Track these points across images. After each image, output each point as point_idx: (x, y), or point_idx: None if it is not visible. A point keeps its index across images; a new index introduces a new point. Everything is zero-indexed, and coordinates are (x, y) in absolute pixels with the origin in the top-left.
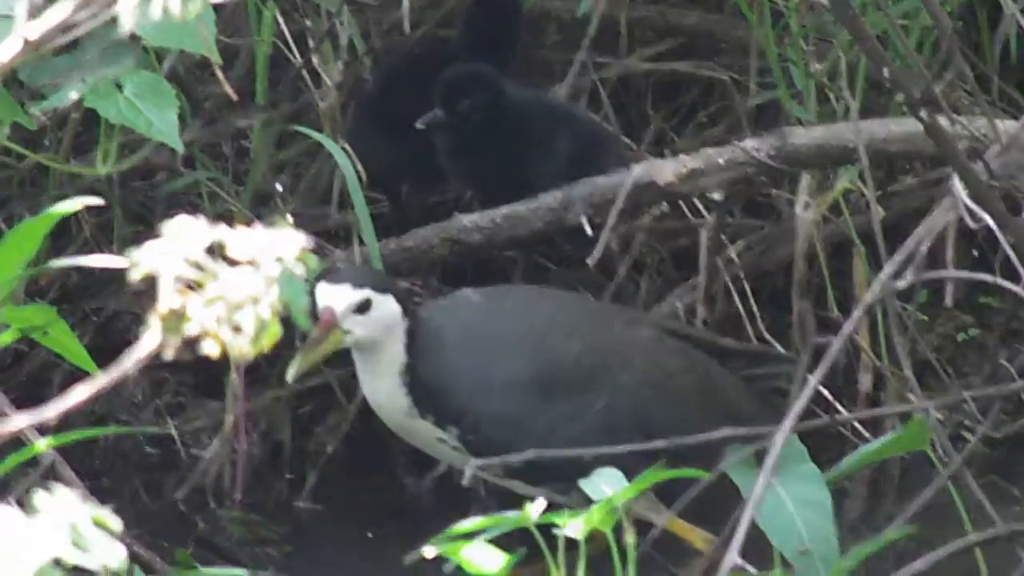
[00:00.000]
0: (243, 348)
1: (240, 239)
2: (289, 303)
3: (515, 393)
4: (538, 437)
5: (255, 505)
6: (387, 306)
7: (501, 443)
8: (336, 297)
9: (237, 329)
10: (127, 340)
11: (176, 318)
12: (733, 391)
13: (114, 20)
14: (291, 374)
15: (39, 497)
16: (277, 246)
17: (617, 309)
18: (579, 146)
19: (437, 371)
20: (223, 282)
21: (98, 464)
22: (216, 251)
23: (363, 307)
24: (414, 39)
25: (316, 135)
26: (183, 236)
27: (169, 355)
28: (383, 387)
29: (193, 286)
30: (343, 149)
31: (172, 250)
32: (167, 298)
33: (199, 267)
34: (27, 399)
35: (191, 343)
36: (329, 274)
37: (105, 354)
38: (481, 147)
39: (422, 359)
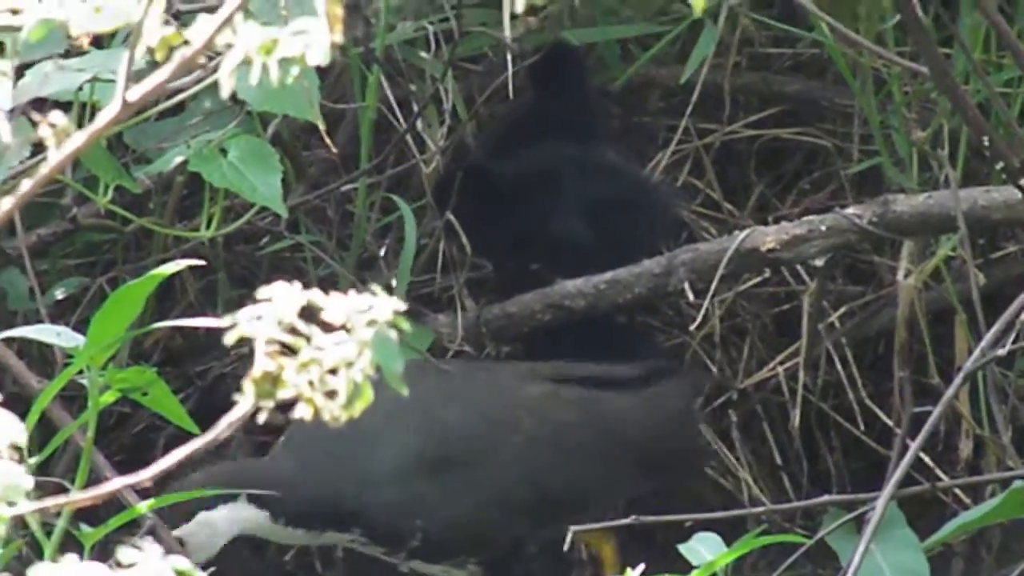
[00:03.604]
0: (336, 412)
1: (334, 303)
2: (382, 367)
3: (406, 474)
4: (429, 515)
5: (359, 569)
6: None
7: (398, 528)
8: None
9: (330, 393)
10: (232, 404)
11: (270, 382)
12: (639, 433)
13: (218, 85)
14: None
15: (127, 552)
16: (371, 310)
17: (507, 367)
18: (602, 203)
19: (319, 481)
20: (317, 346)
21: None
22: (311, 315)
23: None
24: (513, 106)
25: (399, 202)
26: (278, 300)
27: (262, 419)
28: None
29: (288, 350)
30: (448, 220)
31: (267, 314)
32: (261, 362)
33: (294, 331)
34: (131, 461)
35: (286, 407)
36: None
37: (211, 418)
38: (493, 228)
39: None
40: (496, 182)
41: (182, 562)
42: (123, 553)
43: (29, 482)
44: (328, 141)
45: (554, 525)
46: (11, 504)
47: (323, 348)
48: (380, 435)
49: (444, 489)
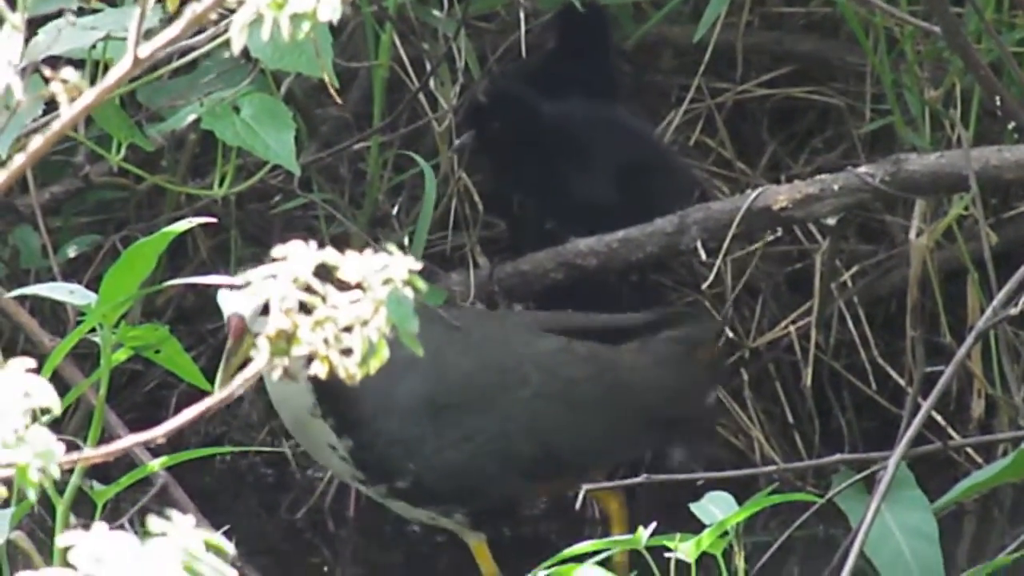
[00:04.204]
0: (351, 370)
1: (350, 262)
2: (398, 325)
3: (414, 415)
4: (425, 459)
5: (371, 528)
6: None
7: (390, 463)
8: (241, 302)
9: (346, 351)
10: (245, 361)
11: (285, 340)
12: (651, 392)
13: (231, 42)
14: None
15: (152, 520)
16: (387, 269)
17: (520, 316)
18: (629, 164)
19: None
20: (332, 304)
21: (214, 484)
22: (326, 274)
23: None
24: (526, 62)
25: (419, 160)
26: (293, 259)
27: (277, 376)
28: (290, 384)
29: (303, 308)
30: (460, 178)
31: (281, 272)
32: (276, 320)
33: (308, 289)
34: (143, 419)
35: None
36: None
37: None
38: (521, 166)
39: None
40: (532, 114)
41: (207, 531)
42: (153, 523)
43: (61, 448)
44: (338, 98)
45: (554, 482)
46: (43, 471)
47: (338, 306)
48: (402, 367)
49: (444, 435)
